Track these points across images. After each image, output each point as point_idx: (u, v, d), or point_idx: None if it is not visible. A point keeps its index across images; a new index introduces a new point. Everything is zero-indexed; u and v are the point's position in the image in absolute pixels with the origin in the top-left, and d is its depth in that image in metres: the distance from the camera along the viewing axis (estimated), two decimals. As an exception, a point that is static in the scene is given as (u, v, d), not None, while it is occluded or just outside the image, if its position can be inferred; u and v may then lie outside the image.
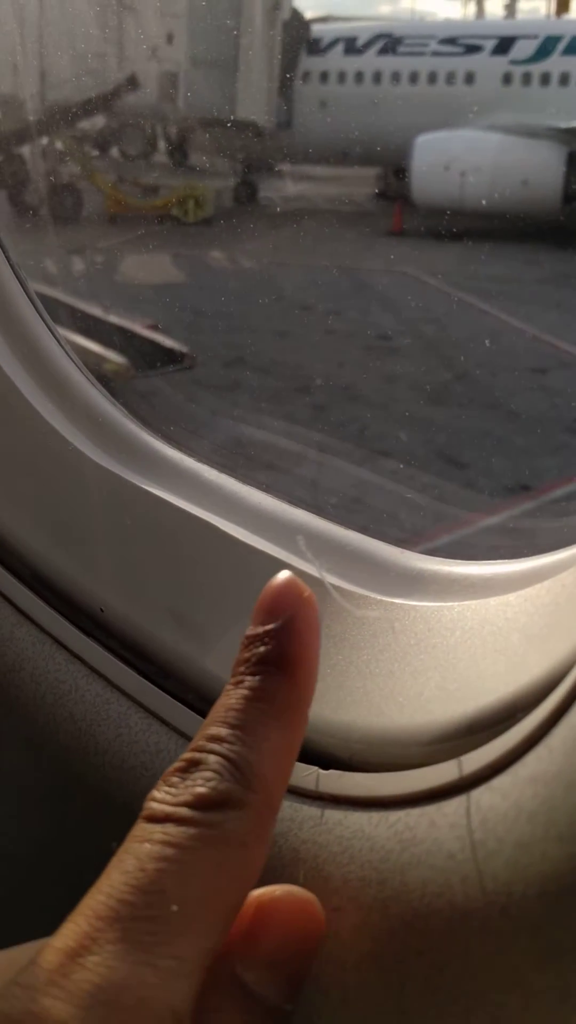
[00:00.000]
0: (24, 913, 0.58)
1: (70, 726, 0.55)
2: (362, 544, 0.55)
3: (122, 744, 0.52)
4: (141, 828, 0.33)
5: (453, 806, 0.35)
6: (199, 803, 0.33)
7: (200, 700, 0.53)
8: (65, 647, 0.57)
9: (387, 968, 0.36)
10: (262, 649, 0.37)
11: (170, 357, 4.74)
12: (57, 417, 0.64)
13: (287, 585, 0.38)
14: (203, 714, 0.51)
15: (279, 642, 0.37)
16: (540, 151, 8.62)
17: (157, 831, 0.32)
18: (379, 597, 0.50)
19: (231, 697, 0.36)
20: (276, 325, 5.76)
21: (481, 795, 0.35)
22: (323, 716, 0.47)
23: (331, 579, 0.53)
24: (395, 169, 8.75)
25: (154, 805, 0.33)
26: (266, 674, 0.36)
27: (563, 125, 8.76)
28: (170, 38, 8.84)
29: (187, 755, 0.35)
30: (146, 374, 4.57)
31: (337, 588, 0.50)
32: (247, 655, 0.37)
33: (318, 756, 0.46)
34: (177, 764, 0.35)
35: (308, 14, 10.56)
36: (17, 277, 0.69)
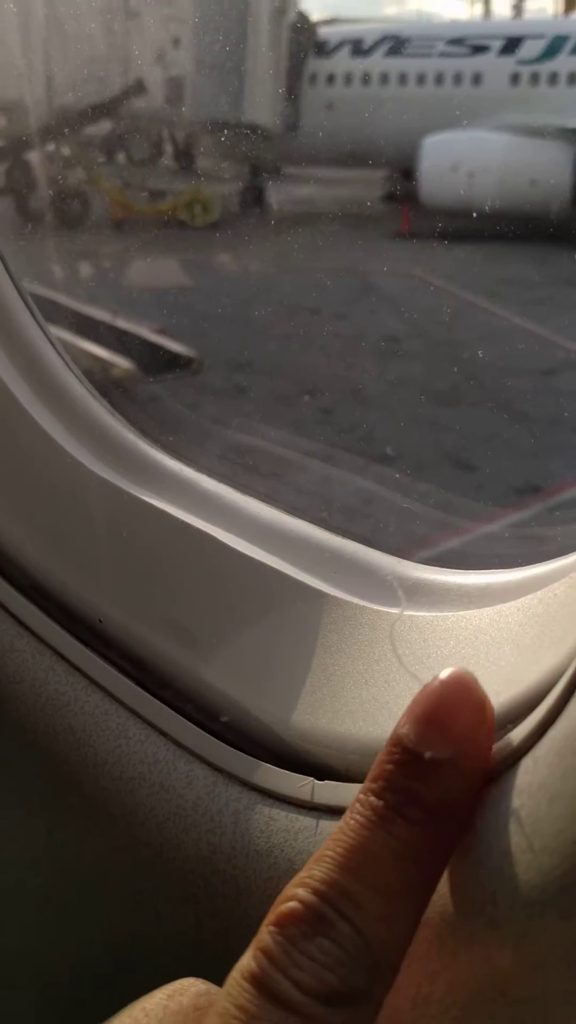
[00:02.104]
0: (19, 921, 0.59)
1: (69, 737, 0.55)
2: (358, 553, 0.55)
3: (120, 755, 0.53)
4: (264, 1009, 0.29)
5: (443, 818, 0.36)
6: (327, 996, 0.29)
7: (198, 711, 0.53)
8: (64, 658, 0.58)
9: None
10: (421, 786, 0.30)
11: (177, 362, 4.75)
12: (56, 428, 0.65)
13: (468, 699, 0.31)
14: (201, 725, 0.52)
15: (445, 785, 0.30)
16: (548, 151, 8.61)
17: None
18: (375, 607, 0.51)
19: (375, 841, 0.30)
20: (283, 329, 5.76)
21: (470, 807, 0.35)
22: (319, 727, 0.48)
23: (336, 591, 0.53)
24: (403, 171, 8.74)
25: (283, 986, 0.29)
26: (422, 824, 0.30)
27: (571, 125, 8.74)
28: (176, 42, 8.86)
29: (311, 900, 0.30)
30: (153, 379, 4.57)
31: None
32: (403, 783, 0.30)
33: (314, 767, 0.46)
34: (296, 907, 0.30)
35: (314, 16, 10.58)
36: (16, 288, 0.70)
